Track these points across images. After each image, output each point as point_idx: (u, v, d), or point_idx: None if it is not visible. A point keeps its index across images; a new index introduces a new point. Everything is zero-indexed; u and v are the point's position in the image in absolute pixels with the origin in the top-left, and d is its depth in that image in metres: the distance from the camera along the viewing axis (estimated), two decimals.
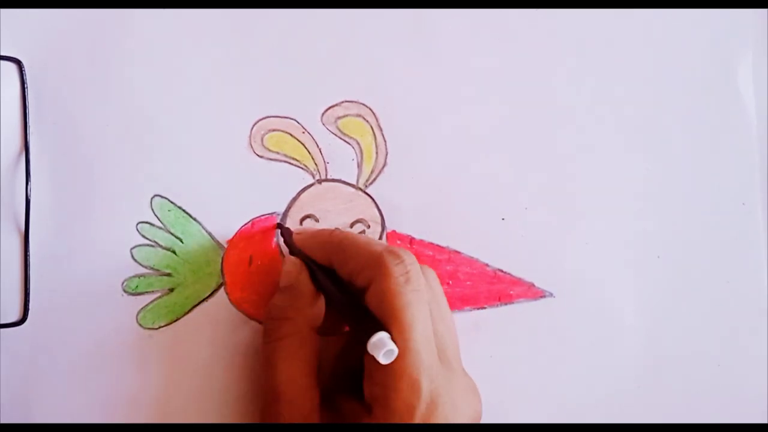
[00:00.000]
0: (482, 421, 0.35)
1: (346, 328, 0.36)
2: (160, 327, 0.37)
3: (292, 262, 0.34)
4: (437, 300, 0.33)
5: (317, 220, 0.38)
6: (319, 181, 0.38)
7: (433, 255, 0.38)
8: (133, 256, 0.37)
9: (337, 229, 0.37)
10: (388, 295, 0.30)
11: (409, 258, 0.31)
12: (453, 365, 0.31)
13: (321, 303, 0.34)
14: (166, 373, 0.36)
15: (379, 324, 0.30)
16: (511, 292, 0.39)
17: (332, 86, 0.38)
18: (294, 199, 0.38)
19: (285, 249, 0.37)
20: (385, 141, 0.38)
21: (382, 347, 0.29)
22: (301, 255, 0.35)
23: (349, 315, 0.32)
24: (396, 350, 0.29)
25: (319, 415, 0.32)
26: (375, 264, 0.31)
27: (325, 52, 0.38)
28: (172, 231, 0.37)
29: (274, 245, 0.38)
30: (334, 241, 0.34)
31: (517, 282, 0.39)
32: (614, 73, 0.40)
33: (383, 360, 0.29)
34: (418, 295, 0.31)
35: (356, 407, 0.32)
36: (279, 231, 0.37)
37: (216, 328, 0.37)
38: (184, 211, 0.37)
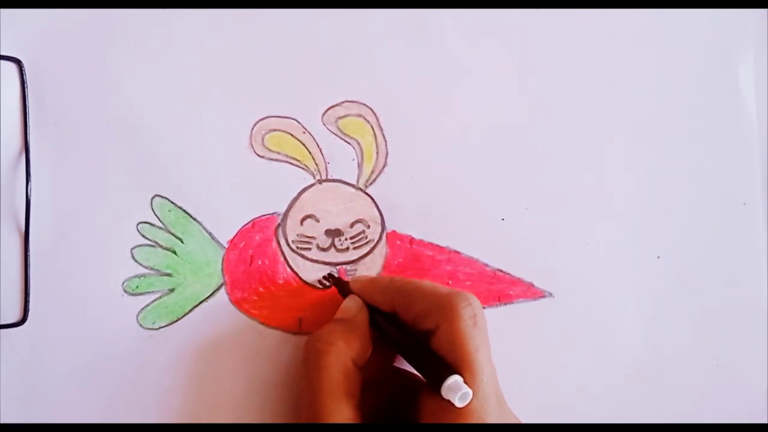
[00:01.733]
0: None
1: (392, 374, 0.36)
2: (160, 327, 0.37)
3: (354, 300, 0.34)
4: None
5: (317, 220, 0.38)
6: (320, 181, 0.38)
7: (433, 255, 0.38)
8: (133, 256, 0.37)
9: (393, 276, 0.36)
10: (458, 338, 0.30)
11: (475, 301, 0.32)
12: (505, 406, 0.32)
13: (369, 343, 0.33)
14: (166, 373, 0.36)
15: (451, 368, 0.30)
16: (511, 292, 0.39)
17: (333, 86, 0.38)
18: (294, 199, 0.38)
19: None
20: (385, 141, 0.38)
21: (457, 390, 0.29)
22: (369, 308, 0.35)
23: (418, 359, 0.32)
24: (471, 393, 0.29)
25: None
26: (443, 307, 0.31)
27: (326, 52, 0.38)
28: (172, 231, 0.37)
29: (274, 246, 0.38)
30: (396, 285, 0.34)
31: (517, 282, 0.39)
32: (615, 73, 0.40)
33: (459, 403, 0.29)
34: (485, 339, 0.31)
35: None
36: (332, 280, 0.37)
37: (216, 328, 0.37)
38: (184, 211, 0.37)
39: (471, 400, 0.29)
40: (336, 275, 0.38)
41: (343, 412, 0.30)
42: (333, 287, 0.37)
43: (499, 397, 0.31)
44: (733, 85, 0.41)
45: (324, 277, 0.38)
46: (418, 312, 0.32)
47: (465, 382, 0.29)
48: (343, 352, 0.32)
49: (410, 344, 0.32)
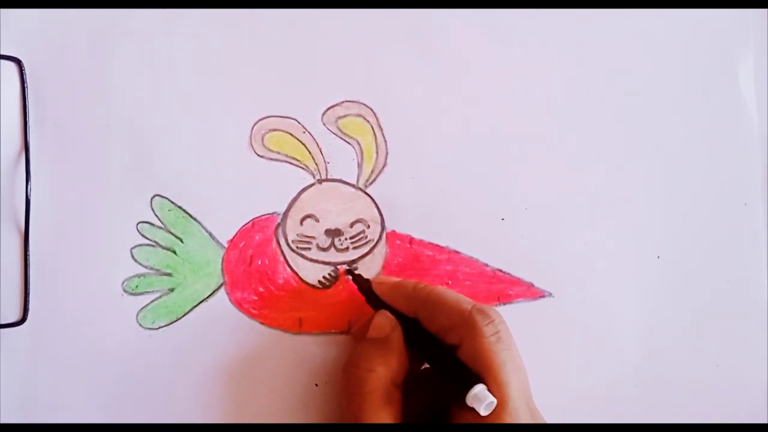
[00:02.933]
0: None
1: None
2: (160, 327, 0.37)
3: (386, 316, 0.34)
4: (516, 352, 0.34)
5: (317, 220, 0.38)
6: (320, 181, 0.38)
7: (432, 255, 0.38)
8: (133, 256, 0.37)
9: (416, 282, 0.35)
10: (481, 355, 0.31)
11: (498, 317, 0.32)
12: (536, 415, 0.32)
13: (407, 360, 0.33)
14: (166, 373, 0.36)
15: (477, 376, 0.31)
16: (511, 292, 0.39)
17: (333, 86, 0.38)
18: (294, 199, 0.38)
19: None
20: (385, 141, 0.38)
21: (483, 399, 0.30)
22: (386, 307, 0.35)
23: (445, 368, 0.32)
24: (495, 402, 0.30)
25: None
26: (465, 324, 0.32)
27: (326, 52, 0.38)
28: (172, 231, 0.37)
29: (274, 246, 0.38)
30: (421, 296, 0.34)
31: (517, 282, 0.39)
32: (615, 73, 0.40)
33: (483, 412, 0.29)
34: (510, 353, 0.32)
35: None
36: (353, 277, 0.37)
37: (216, 328, 0.37)
38: (184, 210, 0.37)
39: (501, 414, 0.30)
40: (356, 271, 0.38)
41: None
42: (333, 286, 0.37)
43: (533, 410, 0.32)
44: (733, 85, 0.40)
45: (344, 271, 0.37)
46: (442, 325, 0.33)
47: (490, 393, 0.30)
48: (384, 377, 0.32)
49: (437, 354, 0.33)
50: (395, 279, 0.37)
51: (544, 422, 0.32)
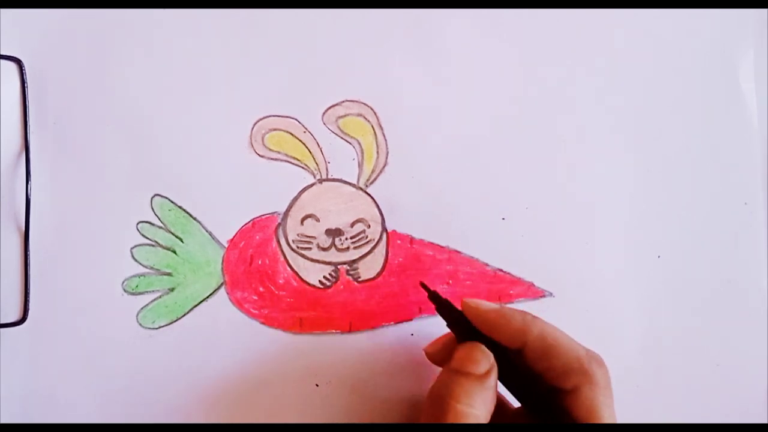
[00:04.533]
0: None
1: None
2: (160, 327, 0.37)
3: (486, 355, 0.32)
4: None
5: (318, 220, 0.38)
6: (320, 181, 0.38)
7: (433, 255, 0.38)
8: (133, 256, 0.37)
9: (524, 312, 0.33)
10: (597, 406, 0.31)
11: (605, 366, 0.32)
12: None
13: (496, 399, 0.32)
14: (166, 372, 0.36)
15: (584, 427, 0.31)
16: (511, 292, 0.39)
17: (333, 85, 0.38)
18: (295, 199, 0.38)
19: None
20: (385, 140, 0.38)
21: None
22: (481, 337, 0.33)
23: (543, 411, 0.32)
24: None
25: None
26: (582, 372, 0.31)
27: (326, 51, 0.38)
28: (172, 230, 0.37)
29: (274, 245, 0.38)
30: (534, 331, 0.32)
31: (517, 282, 0.39)
32: (615, 73, 0.40)
33: None
34: (612, 400, 0.32)
35: None
36: (434, 301, 0.35)
37: (216, 328, 0.37)
38: (184, 210, 0.37)
39: None
40: (357, 270, 0.37)
41: None
42: (334, 286, 0.37)
43: None
44: (733, 84, 0.40)
45: (429, 294, 0.35)
46: (553, 368, 0.32)
47: None
48: (483, 419, 0.31)
49: (537, 396, 0.32)
50: (492, 304, 0.34)
51: None
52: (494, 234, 0.39)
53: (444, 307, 0.34)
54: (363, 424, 0.31)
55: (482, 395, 0.31)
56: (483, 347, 0.32)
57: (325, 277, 0.38)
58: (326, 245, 0.38)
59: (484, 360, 0.32)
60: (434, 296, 0.34)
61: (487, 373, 0.32)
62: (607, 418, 0.31)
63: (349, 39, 0.38)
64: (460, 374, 0.32)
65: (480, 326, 0.33)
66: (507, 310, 0.33)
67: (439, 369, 0.33)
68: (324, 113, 0.38)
